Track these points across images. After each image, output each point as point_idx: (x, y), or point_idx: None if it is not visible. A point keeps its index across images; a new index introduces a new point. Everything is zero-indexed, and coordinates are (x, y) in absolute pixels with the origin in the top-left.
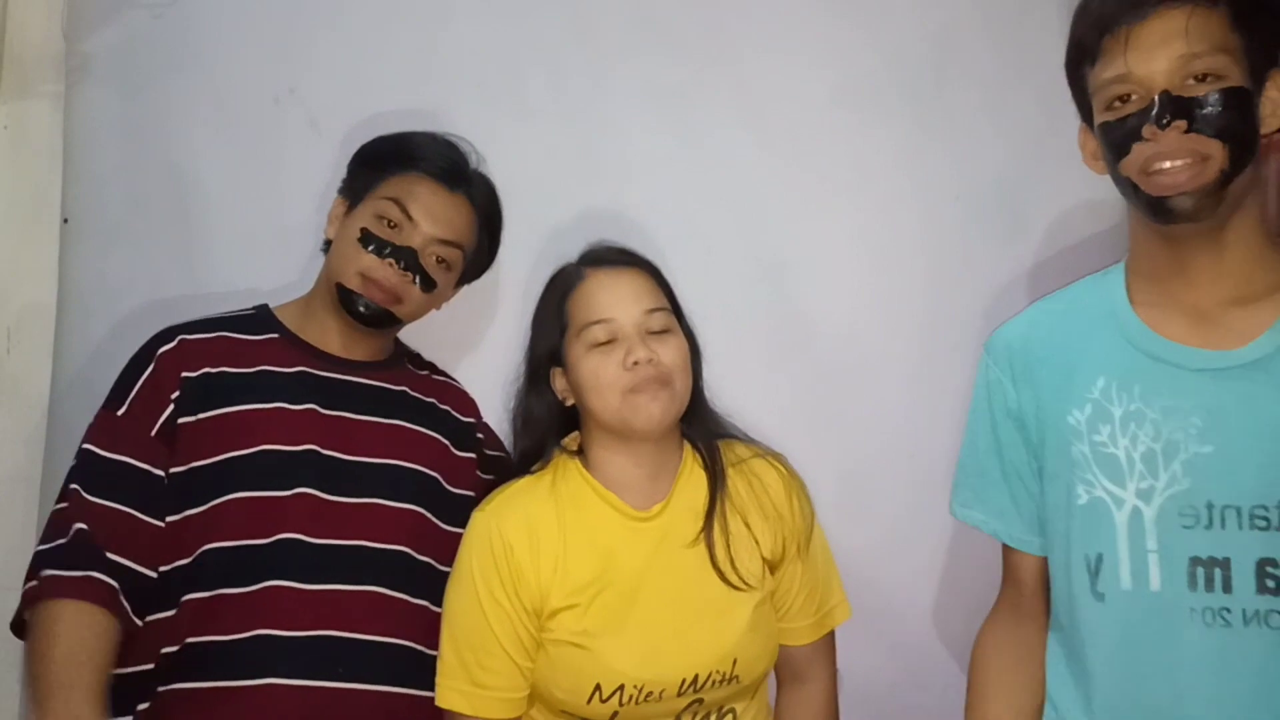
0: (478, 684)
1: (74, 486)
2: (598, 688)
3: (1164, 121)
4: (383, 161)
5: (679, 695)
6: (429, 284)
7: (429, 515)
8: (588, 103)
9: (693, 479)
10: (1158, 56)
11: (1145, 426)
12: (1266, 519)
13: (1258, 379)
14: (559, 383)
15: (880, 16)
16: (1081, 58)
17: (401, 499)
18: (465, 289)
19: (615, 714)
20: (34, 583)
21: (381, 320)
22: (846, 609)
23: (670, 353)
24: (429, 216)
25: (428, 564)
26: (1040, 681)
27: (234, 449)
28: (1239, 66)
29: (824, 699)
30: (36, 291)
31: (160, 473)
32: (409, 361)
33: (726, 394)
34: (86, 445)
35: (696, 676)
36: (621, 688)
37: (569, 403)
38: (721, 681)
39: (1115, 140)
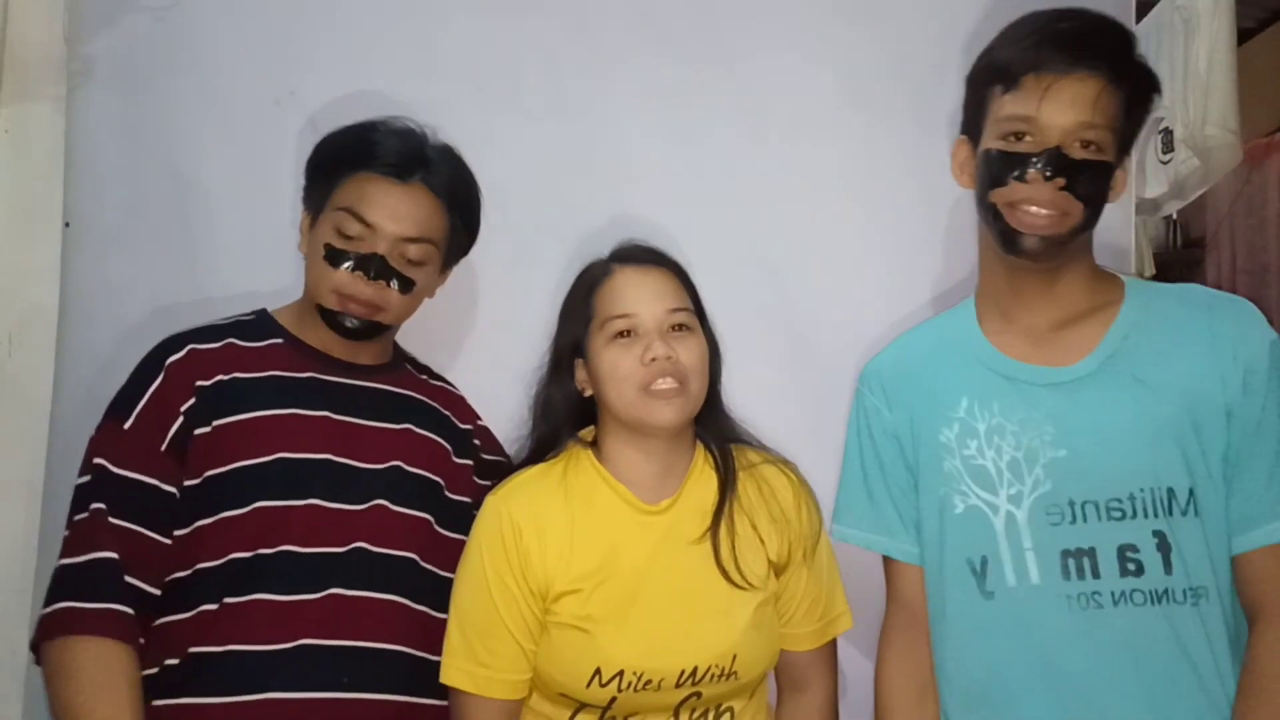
0: (481, 663)
1: (99, 506)
2: (597, 672)
3: (1048, 174)
4: (332, 165)
5: (677, 686)
6: (407, 285)
7: (433, 521)
8: (587, 103)
9: (703, 478)
10: (1066, 114)
11: (1007, 438)
12: (1121, 509)
13: (1093, 389)
14: (580, 373)
15: (883, 17)
16: (997, 78)
17: (409, 505)
18: (462, 286)
19: (613, 700)
20: (52, 609)
21: (370, 332)
22: (849, 619)
23: (689, 353)
24: (387, 217)
25: (432, 570)
26: (936, 702)
27: (249, 457)
28: (1114, 145)
29: (823, 707)
30: (38, 294)
31: (171, 489)
32: (408, 364)
33: (728, 397)
34: (99, 460)
35: (696, 669)
36: (621, 673)
37: (587, 393)
38: (720, 676)
39: (996, 170)
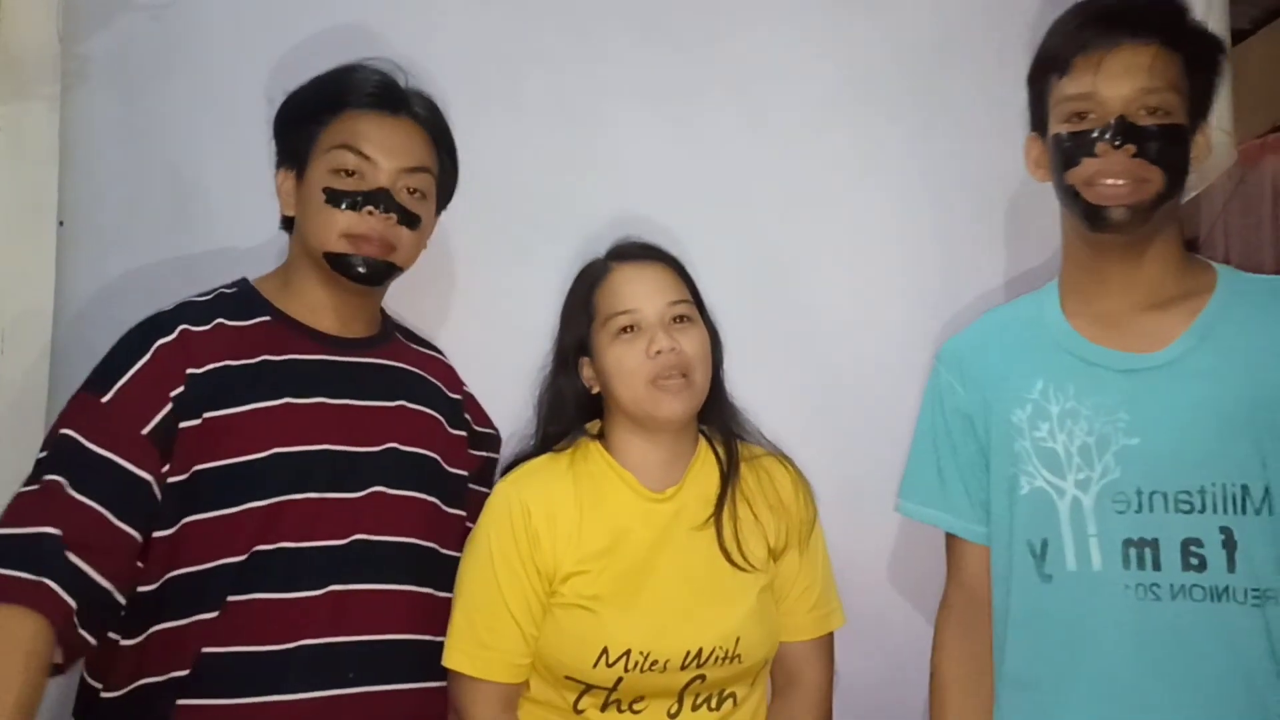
0: (483, 645)
1: (56, 479)
2: (604, 651)
3: (1117, 143)
4: (311, 112)
5: (682, 668)
6: (413, 220)
7: (436, 501)
8: (587, 103)
9: (706, 467)
10: (1122, 83)
11: (1080, 423)
12: (1189, 503)
13: (1172, 378)
14: (586, 371)
15: (884, 10)
16: (1051, 68)
17: (406, 487)
18: (465, 291)
19: (620, 680)
20: None
21: (382, 274)
22: (841, 616)
23: (691, 343)
24: (385, 150)
25: (433, 550)
26: (992, 684)
27: (243, 453)
28: (1183, 107)
29: (820, 703)
30: (33, 295)
31: (146, 476)
32: (398, 333)
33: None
34: (68, 432)
35: (700, 650)
36: (627, 653)
37: (594, 390)
38: (724, 659)
39: (1067, 151)
